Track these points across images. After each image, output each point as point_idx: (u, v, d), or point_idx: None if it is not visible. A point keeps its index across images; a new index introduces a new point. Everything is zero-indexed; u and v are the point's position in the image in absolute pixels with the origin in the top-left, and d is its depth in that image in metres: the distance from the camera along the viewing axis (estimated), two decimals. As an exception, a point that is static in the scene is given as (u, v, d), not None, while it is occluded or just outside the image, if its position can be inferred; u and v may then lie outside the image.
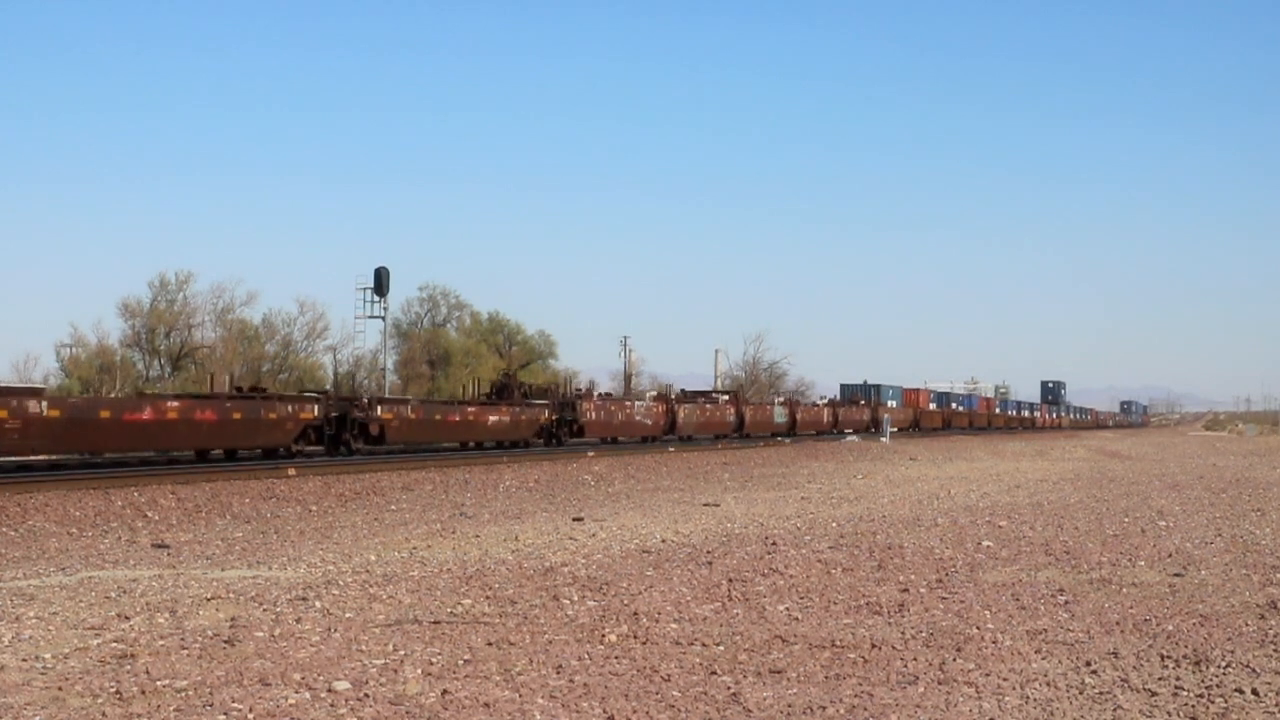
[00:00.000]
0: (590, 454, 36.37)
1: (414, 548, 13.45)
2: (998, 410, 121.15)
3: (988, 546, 13.59)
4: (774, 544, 13.63)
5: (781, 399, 71.50)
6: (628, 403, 50.40)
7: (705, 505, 19.69)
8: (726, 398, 59.66)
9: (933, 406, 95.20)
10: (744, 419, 57.44)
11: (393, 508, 19.46)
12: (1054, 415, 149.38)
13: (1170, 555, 12.98)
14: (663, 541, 13.97)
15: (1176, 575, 11.47)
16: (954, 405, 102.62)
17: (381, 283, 42.09)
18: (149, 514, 17.81)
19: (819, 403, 76.03)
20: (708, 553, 12.83)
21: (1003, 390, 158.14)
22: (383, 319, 43.13)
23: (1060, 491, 23.32)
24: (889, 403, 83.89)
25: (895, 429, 75.82)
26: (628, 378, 55.44)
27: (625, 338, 58.35)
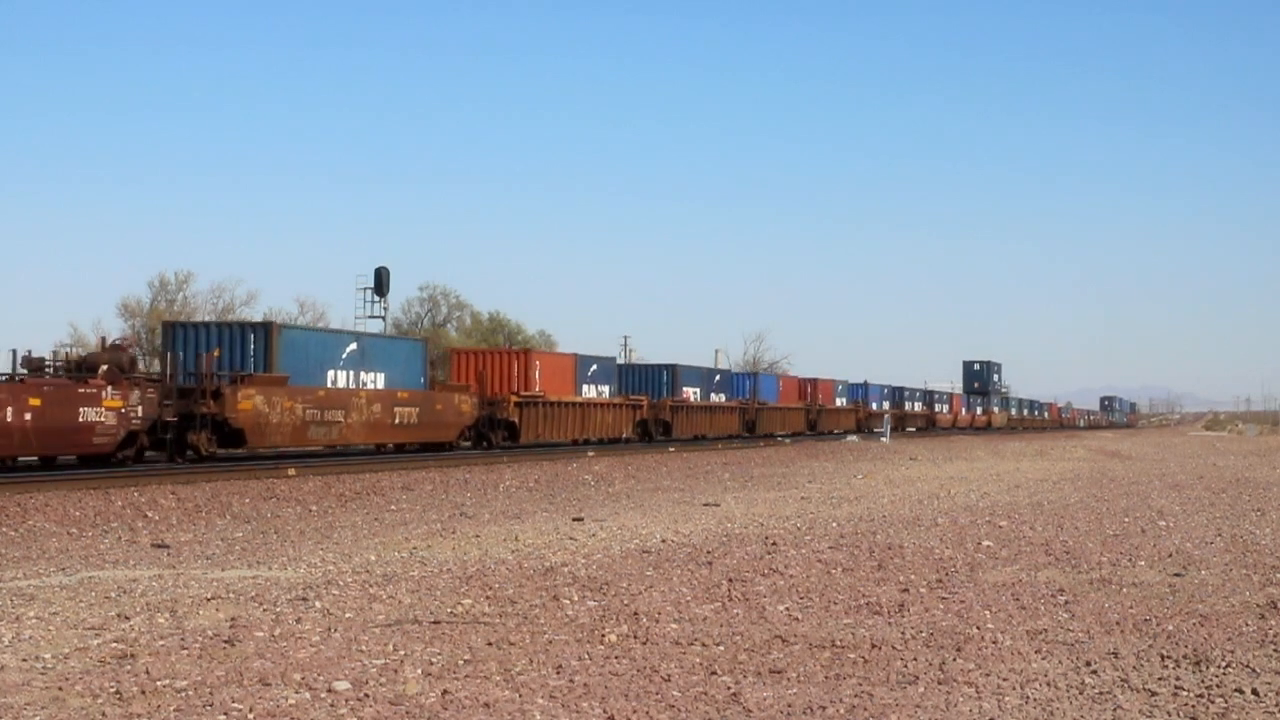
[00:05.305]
0: (590, 454, 36.39)
1: (414, 548, 13.46)
2: (840, 401, 72.03)
3: (988, 546, 13.59)
4: (774, 544, 13.63)
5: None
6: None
7: (705, 505, 19.70)
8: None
9: (664, 397, 51.66)
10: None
11: (393, 508, 19.47)
12: (977, 410, 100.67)
13: (1170, 555, 12.98)
14: (663, 541, 13.97)
15: (1176, 575, 11.47)
16: (714, 395, 57.00)
17: (382, 282, 42.09)
18: (149, 514, 17.81)
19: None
20: (708, 553, 12.83)
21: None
22: (383, 319, 43.12)
23: (1060, 491, 23.31)
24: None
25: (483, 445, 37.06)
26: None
27: (626, 337, 58.30)
